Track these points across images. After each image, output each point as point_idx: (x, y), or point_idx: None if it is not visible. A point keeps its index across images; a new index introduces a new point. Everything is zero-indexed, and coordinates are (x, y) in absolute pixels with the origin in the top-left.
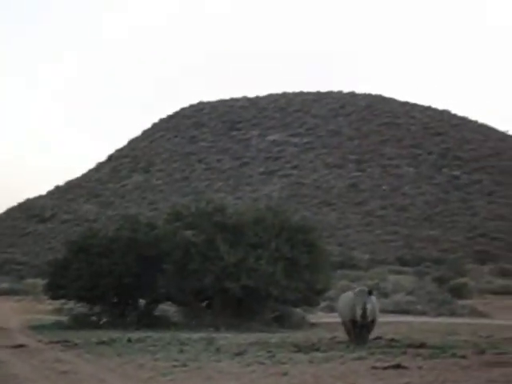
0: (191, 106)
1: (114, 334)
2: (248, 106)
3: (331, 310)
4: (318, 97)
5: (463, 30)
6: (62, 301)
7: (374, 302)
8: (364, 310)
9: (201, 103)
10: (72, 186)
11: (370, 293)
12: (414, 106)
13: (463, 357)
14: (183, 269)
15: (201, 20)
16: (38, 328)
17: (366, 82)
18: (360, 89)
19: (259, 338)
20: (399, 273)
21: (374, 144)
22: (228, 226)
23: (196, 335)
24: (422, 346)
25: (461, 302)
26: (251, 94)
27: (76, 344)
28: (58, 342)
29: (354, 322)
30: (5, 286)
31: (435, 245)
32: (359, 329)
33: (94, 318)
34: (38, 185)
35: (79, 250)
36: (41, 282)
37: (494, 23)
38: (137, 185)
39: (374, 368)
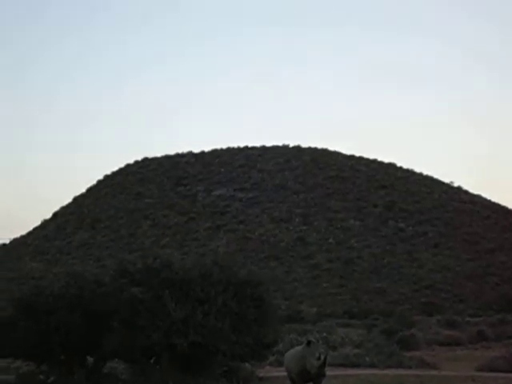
0: (136, 163)
1: None
2: (193, 161)
3: (280, 364)
4: (263, 151)
5: (405, 82)
6: (9, 360)
7: (325, 352)
8: (324, 358)
9: (146, 159)
10: (18, 244)
11: (308, 344)
12: (360, 159)
13: None
14: (131, 325)
15: (150, 70)
16: None
17: (311, 136)
18: (305, 143)
19: None
20: (347, 325)
21: (320, 197)
22: (175, 282)
23: None
24: None
25: (409, 354)
26: (196, 150)
27: None
28: None
29: (302, 374)
30: None
31: (383, 297)
32: (306, 382)
33: (41, 377)
34: None
35: (26, 307)
36: None
37: (436, 74)
38: (82, 242)
39: None
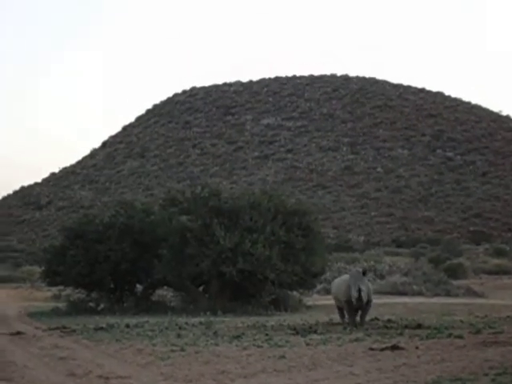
0: (184, 92)
1: (112, 320)
2: (241, 90)
3: (327, 292)
4: (311, 80)
5: (456, 12)
6: (60, 287)
7: (367, 283)
8: (359, 291)
9: (194, 88)
10: (67, 173)
11: (364, 273)
12: (407, 88)
13: (459, 337)
14: (179, 254)
15: (193, 5)
16: (36, 315)
17: (358, 65)
18: (353, 72)
19: (256, 321)
20: (395, 254)
21: (368, 127)
22: (224, 211)
23: (194, 320)
24: (418, 326)
25: (456, 283)
26: (244, 79)
27: (74, 330)
28: (55, 329)
29: (349, 303)
30: (2, 273)
31: (430, 226)
32: (355, 310)
33: (91, 304)
34: (34, 172)
35: (75, 236)
36: (38, 269)
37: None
38: (132, 171)
39: (372, 349)
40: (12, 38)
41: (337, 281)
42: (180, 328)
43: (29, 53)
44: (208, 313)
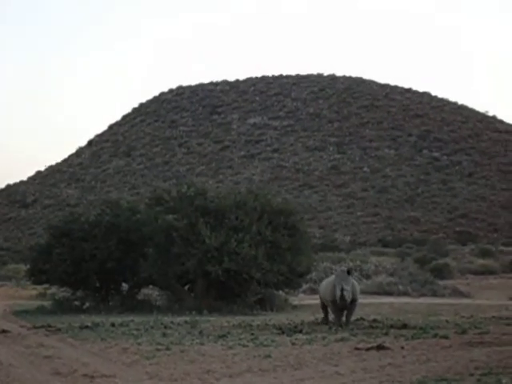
0: (171, 91)
1: (97, 319)
2: (228, 89)
3: (313, 292)
4: (298, 80)
5: (442, 12)
6: (45, 286)
7: (353, 282)
8: (342, 290)
9: (180, 87)
10: (53, 171)
11: (348, 272)
12: (394, 88)
13: (445, 337)
14: (165, 253)
15: (179, 4)
16: (21, 313)
17: (345, 64)
18: (340, 71)
19: (242, 320)
20: (381, 254)
21: (354, 126)
22: (209, 210)
23: (179, 319)
24: (404, 326)
25: (442, 283)
26: (231, 78)
27: (59, 329)
28: (41, 327)
29: (334, 302)
30: None
31: (416, 226)
32: (341, 310)
33: (77, 303)
34: (19, 170)
35: (61, 234)
36: (23, 268)
37: (474, 6)
38: (118, 169)
39: (357, 349)
40: None
41: (324, 282)
42: (165, 327)
43: (20, 50)
44: (193, 312)
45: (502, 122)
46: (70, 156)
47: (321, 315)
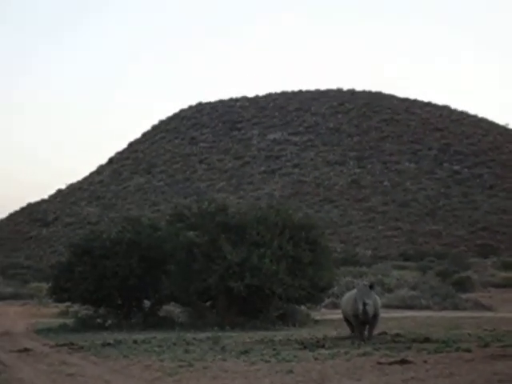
0: (190, 107)
1: (120, 336)
2: (248, 105)
3: (335, 306)
4: (318, 95)
5: (462, 26)
6: (67, 304)
7: (375, 296)
8: (364, 305)
9: (200, 104)
10: (74, 189)
11: (371, 287)
12: (414, 102)
13: (468, 350)
14: (187, 269)
15: (199, 20)
16: (44, 331)
17: (365, 79)
18: (359, 86)
19: (264, 336)
20: (402, 268)
21: (374, 140)
22: (231, 226)
23: (201, 335)
24: (426, 340)
25: (464, 296)
26: (250, 94)
27: (82, 347)
28: (63, 345)
29: (356, 317)
30: (9, 290)
31: (438, 239)
32: (363, 324)
33: (99, 320)
34: (40, 189)
35: (83, 252)
36: (45, 286)
37: (493, 18)
38: (138, 187)
39: (380, 363)
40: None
41: (346, 295)
42: (187, 343)
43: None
44: (216, 328)
45: None
46: (91, 174)
47: (343, 330)
